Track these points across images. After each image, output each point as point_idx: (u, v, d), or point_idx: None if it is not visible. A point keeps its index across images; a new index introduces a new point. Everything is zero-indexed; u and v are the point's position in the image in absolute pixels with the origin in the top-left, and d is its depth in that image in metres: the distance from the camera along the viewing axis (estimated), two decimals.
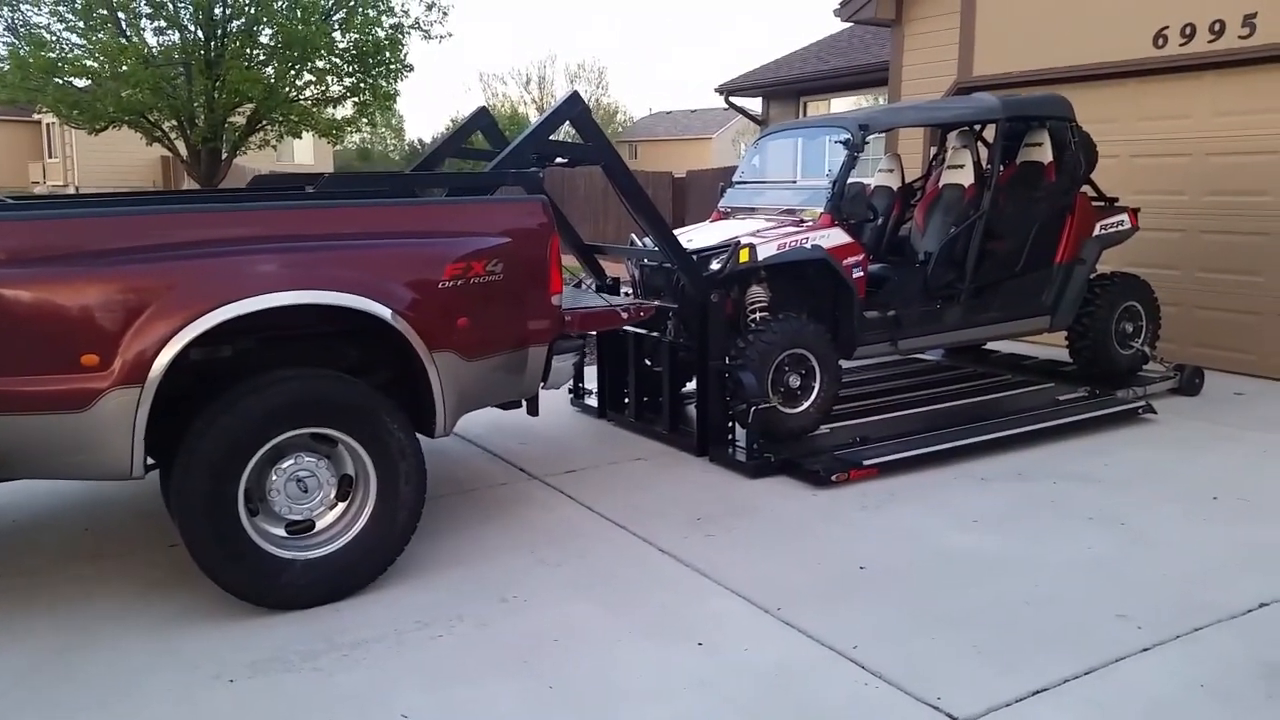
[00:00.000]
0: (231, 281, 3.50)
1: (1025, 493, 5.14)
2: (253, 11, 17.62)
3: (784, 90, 15.43)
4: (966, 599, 3.86)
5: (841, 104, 14.60)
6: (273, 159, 28.25)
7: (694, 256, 5.67)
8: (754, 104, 16.66)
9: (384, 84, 19.55)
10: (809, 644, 3.50)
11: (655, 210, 5.52)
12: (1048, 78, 8.81)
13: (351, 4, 18.57)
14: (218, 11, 17.51)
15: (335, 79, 19.43)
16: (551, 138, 5.23)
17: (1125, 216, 7.19)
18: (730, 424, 5.70)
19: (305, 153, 34.24)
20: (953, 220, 6.69)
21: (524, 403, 4.71)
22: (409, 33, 19.43)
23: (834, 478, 5.18)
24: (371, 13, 18.71)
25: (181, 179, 25.87)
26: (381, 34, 18.94)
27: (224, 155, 19.29)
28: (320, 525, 3.84)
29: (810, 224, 5.95)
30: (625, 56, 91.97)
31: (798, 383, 5.63)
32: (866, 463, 5.34)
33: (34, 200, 5.74)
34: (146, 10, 17.46)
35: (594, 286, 6.25)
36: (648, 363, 6.21)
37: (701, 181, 17.39)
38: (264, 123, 19.28)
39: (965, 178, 6.81)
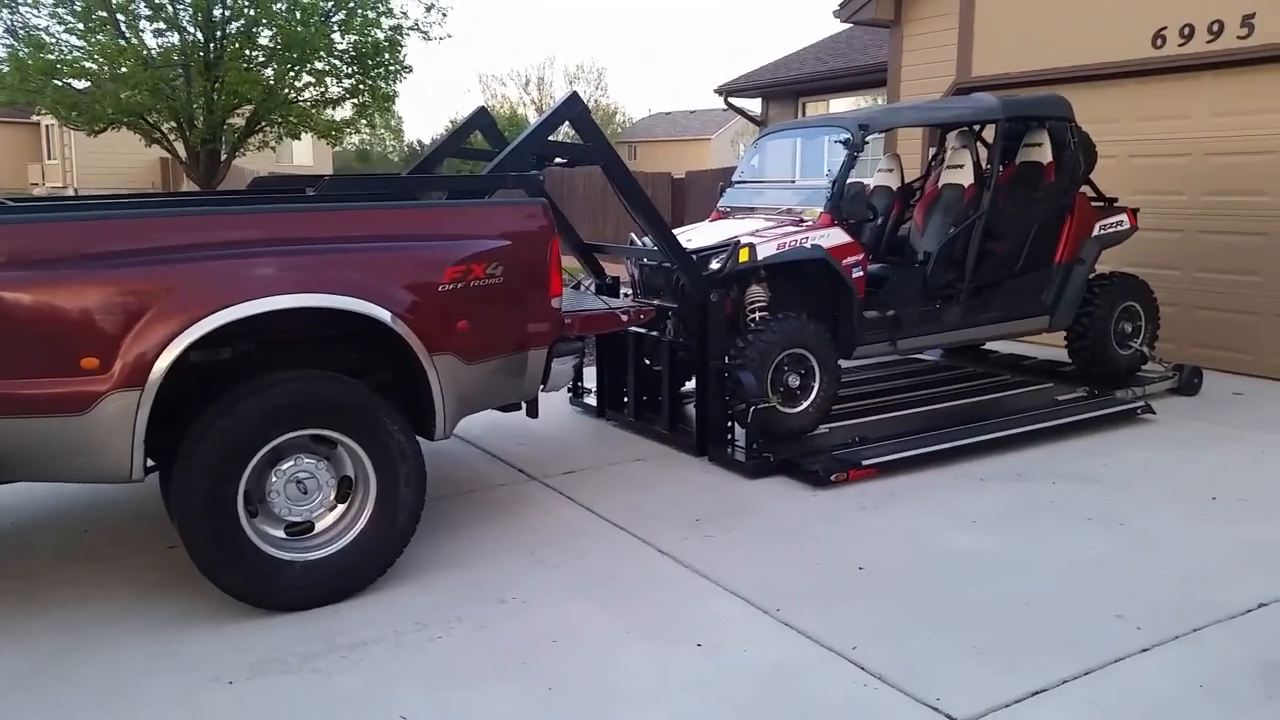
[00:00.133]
0: (232, 284, 3.51)
1: (1024, 493, 5.14)
2: (252, 13, 17.60)
3: (783, 91, 15.44)
4: (966, 599, 3.86)
5: (841, 105, 14.60)
6: (272, 160, 28.29)
7: (693, 256, 5.67)
8: (753, 105, 16.67)
9: (383, 85, 19.53)
10: (808, 645, 3.50)
11: (654, 210, 5.53)
12: (1046, 78, 8.82)
13: (351, 5, 18.55)
14: (217, 13, 17.50)
15: (334, 80, 19.41)
16: (551, 138, 5.24)
17: (1124, 216, 7.20)
18: (729, 424, 5.71)
19: (304, 154, 34.26)
20: (952, 220, 6.70)
21: (523, 405, 4.71)
22: (408, 34, 19.42)
23: (833, 477, 5.19)
24: (371, 14, 18.70)
25: (180, 180, 25.86)
26: (381, 35, 18.93)
27: (223, 157, 19.28)
28: (320, 527, 3.84)
29: (810, 224, 5.95)
30: (624, 57, 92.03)
31: (797, 382, 5.63)
32: (865, 462, 5.35)
33: (33, 202, 5.73)
34: (145, 12, 17.44)
35: (594, 288, 6.25)
36: (647, 362, 6.22)
37: (701, 182, 17.40)
38: (263, 124, 19.27)
39: (965, 178, 6.81)
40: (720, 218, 6.85)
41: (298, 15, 17.59)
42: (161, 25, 17.58)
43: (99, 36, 17.17)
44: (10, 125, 35.22)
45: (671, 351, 5.88)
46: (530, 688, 3.22)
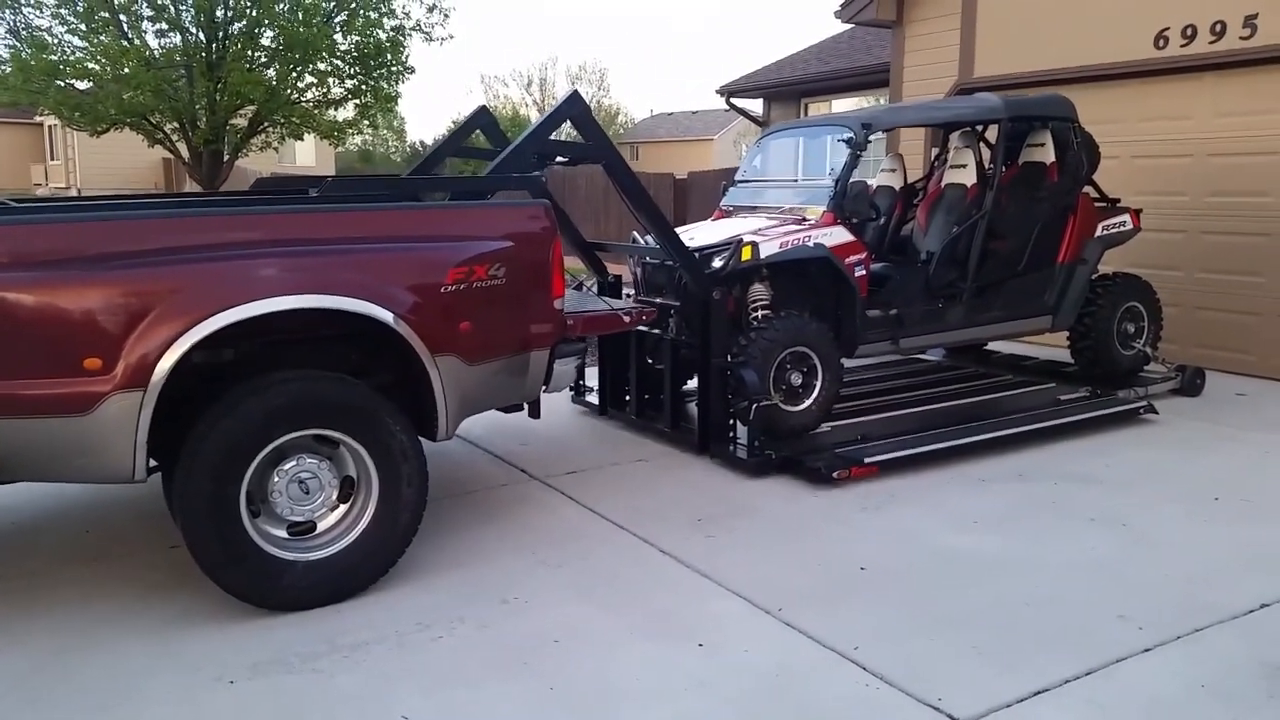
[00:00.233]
0: (234, 285, 3.51)
1: (1026, 493, 5.14)
2: (254, 14, 17.63)
3: (785, 91, 15.44)
4: (967, 600, 3.86)
5: (843, 105, 14.60)
6: (274, 161, 28.35)
7: (696, 254, 5.67)
8: (755, 105, 16.67)
9: (385, 86, 19.57)
10: (809, 645, 3.50)
11: (656, 208, 5.53)
12: (1049, 79, 8.81)
13: (353, 6, 18.58)
14: (219, 14, 17.53)
15: (337, 81, 19.44)
16: (553, 137, 5.24)
17: (1127, 217, 7.20)
18: (731, 422, 5.71)
19: (307, 155, 34.31)
20: (955, 220, 6.70)
21: (526, 405, 4.72)
22: (410, 35, 19.45)
23: (835, 475, 5.18)
24: (373, 15, 18.73)
25: (183, 181, 25.89)
26: (383, 36, 18.96)
27: (225, 157, 19.31)
28: (322, 527, 3.84)
29: (813, 222, 5.95)
30: (626, 58, 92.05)
31: (799, 381, 5.63)
32: (868, 460, 5.34)
33: (36, 203, 5.74)
34: (148, 13, 17.48)
35: (596, 289, 6.26)
36: (649, 361, 6.21)
37: (703, 183, 17.40)
38: (265, 125, 19.30)
39: (967, 177, 6.81)
40: (723, 217, 6.86)
41: (300, 16, 17.62)
42: (164, 26, 17.63)
43: (101, 37, 17.20)
44: (13, 126, 35.28)
45: (674, 350, 5.88)
46: (532, 688, 3.22)
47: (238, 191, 8.12)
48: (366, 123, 21.15)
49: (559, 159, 5.56)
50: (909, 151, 8.81)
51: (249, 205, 4.62)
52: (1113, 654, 3.41)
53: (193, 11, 17.48)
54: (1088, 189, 7.09)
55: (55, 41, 17.44)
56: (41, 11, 17.48)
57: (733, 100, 16.59)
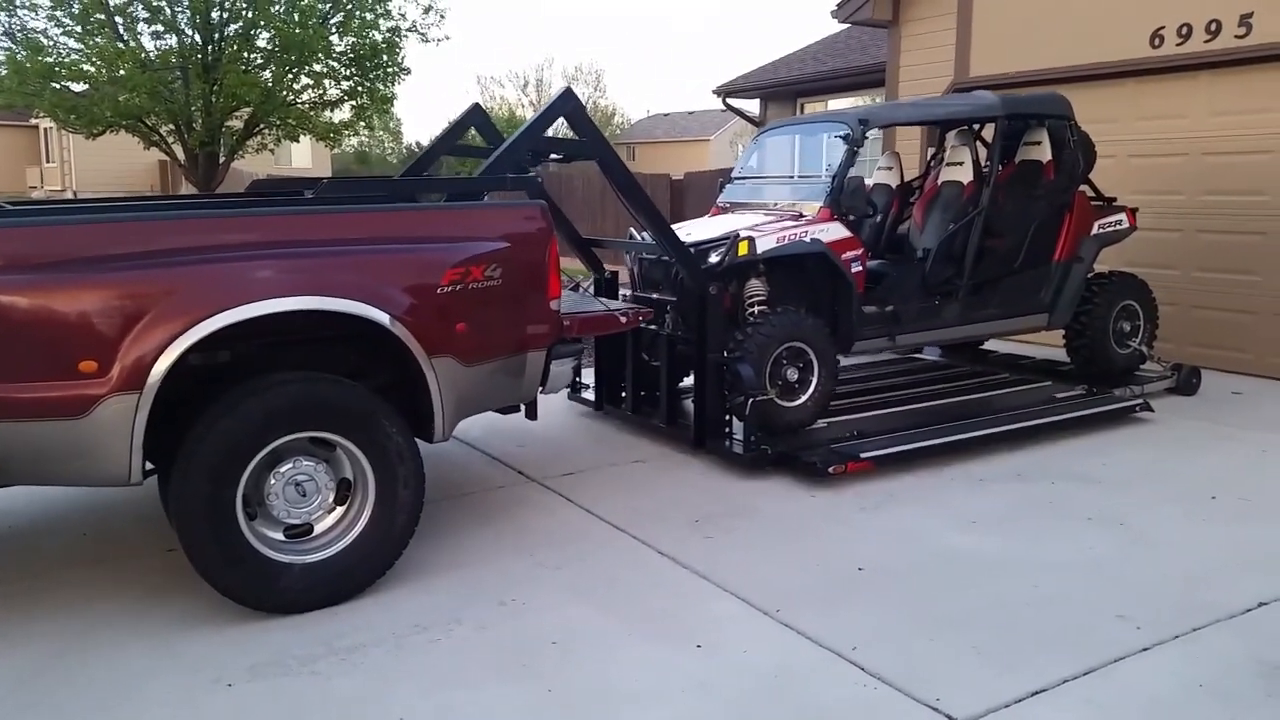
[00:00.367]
0: (230, 287, 3.50)
1: (1024, 493, 5.14)
2: (250, 15, 17.61)
3: (782, 91, 15.45)
4: (966, 600, 3.86)
5: (839, 105, 14.60)
6: (271, 163, 28.32)
7: (693, 249, 5.67)
8: (752, 106, 16.68)
9: (381, 87, 19.55)
10: (808, 646, 3.50)
11: (652, 205, 5.51)
12: (1045, 78, 8.82)
13: (349, 7, 18.57)
14: (215, 15, 17.51)
15: (333, 82, 19.43)
16: (550, 135, 5.24)
17: (1123, 216, 7.21)
18: (728, 417, 5.70)
19: (303, 156, 34.28)
20: (951, 217, 6.70)
21: (522, 407, 4.71)
22: (406, 36, 19.45)
23: (830, 469, 5.18)
24: (369, 16, 18.71)
25: (179, 183, 25.89)
26: (379, 37, 18.95)
27: (222, 159, 19.30)
28: (319, 529, 3.84)
29: (809, 218, 5.95)
30: (623, 58, 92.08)
31: (795, 376, 5.63)
32: (863, 455, 5.34)
33: (32, 205, 5.73)
34: (144, 14, 17.47)
35: (592, 290, 6.25)
36: (645, 357, 6.20)
37: (700, 183, 17.39)
38: (261, 126, 19.29)
39: (964, 175, 6.82)
40: (719, 213, 6.86)
41: (295, 17, 17.60)
42: (159, 28, 17.62)
43: (97, 39, 17.19)
44: (8, 128, 35.26)
45: (670, 345, 5.88)
46: (530, 689, 3.21)
47: (233, 193, 8.11)
48: (363, 124, 21.14)
49: (553, 156, 5.56)
50: (905, 151, 8.82)
51: (245, 207, 4.61)
52: (1111, 654, 3.41)
53: (188, 13, 17.47)
54: (1084, 188, 7.10)
55: (51, 43, 17.42)
56: (37, 13, 17.47)
57: (729, 101, 16.60)
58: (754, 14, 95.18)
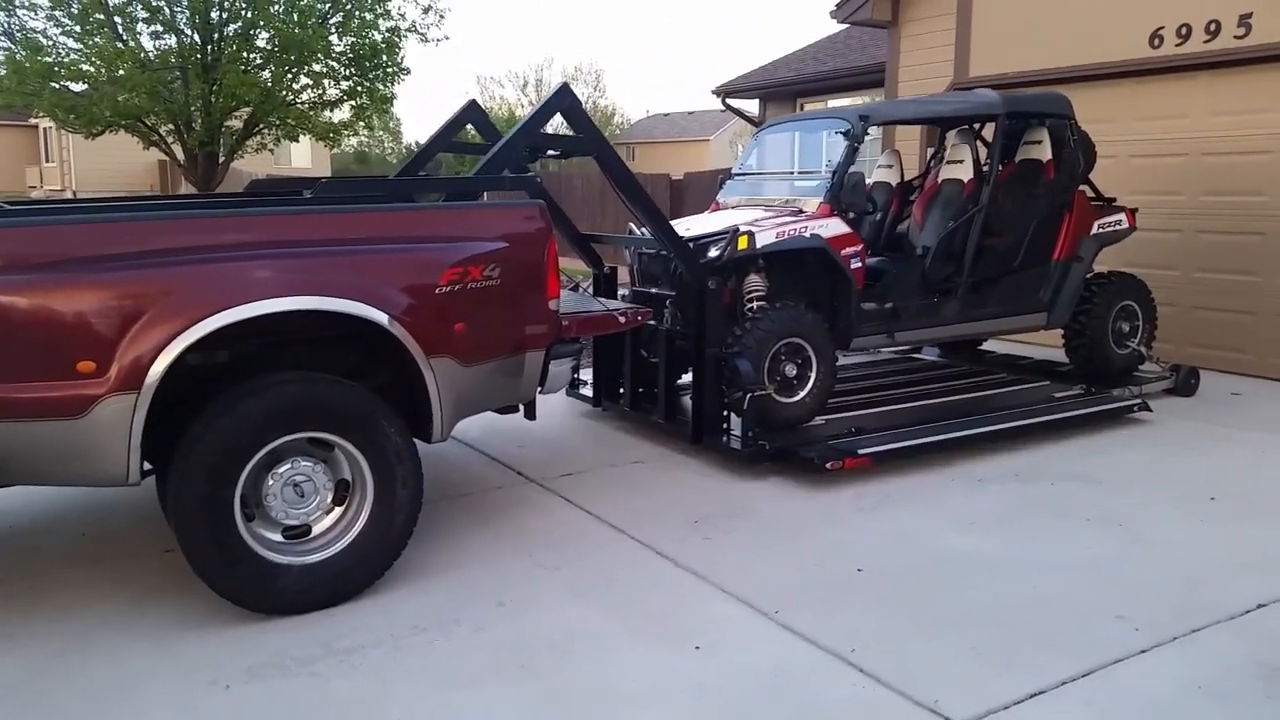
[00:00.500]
0: (229, 287, 3.50)
1: (1023, 494, 5.14)
2: (249, 15, 17.61)
3: (781, 92, 15.44)
4: (964, 601, 3.86)
5: (838, 105, 14.60)
6: (270, 162, 28.31)
7: (691, 244, 5.67)
8: (751, 106, 16.67)
9: (381, 87, 19.54)
10: (807, 647, 3.50)
11: (650, 200, 5.50)
12: (1044, 78, 8.82)
13: (348, 7, 18.57)
14: (214, 15, 17.51)
15: (332, 82, 19.42)
16: (548, 131, 5.23)
17: (1123, 216, 7.21)
18: (725, 413, 5.70)
19: (303, 156, 34.28)
20: (951, 215, 6.70)
21: (521, 407, 4.71)
22: (406, 36, 19.44)
23: (829, 465, 5.17)
24: (368, 16, 18.70)
25: (179, 183, 25.88)
26: (378, 37, 18.94)
27: (221, 159, 19.29)
28: (317, 530, 3.83)
29: (809, 214, 5.95)
30: (622, 59, 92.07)
31: (794, 372, 5.62)
32: (862, 452, 5.33)
33: (31, 205, 5.73)
34: (143, 14, 17.46)
35: (591, 290, 6.25)
36: (644, 353, 6.18)
37: (699, 183, 17.39)
38: (261, 126, 19.28)
39: (964, 173, 6.82)
40: (719, 209, 6.86)
41: (295, 17, 17.59)
42: (159, 28, 17.62)
43: (96, 39, 17.18)
44: (8, 128, 35.27)
45: (668, 340, 5.87)
46: (529, 690, 3.21)
47: (232, 193, 8.11)
48: (362, 124, 21.13)
49: (550, 152, 5.55)
50: (906, 150, 8.81)
51: (243, 207, 4.61)
52: (1110, 655, 3.40)
53: (188, 13, 17.47)
54: (1084, 188, 7.10)
55: (50, 43, 17.42)
56: (36, 14, 17.46)
57: (729, 101, 16.59)
58: (754, 14, 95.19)
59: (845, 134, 6.09)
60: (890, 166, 7.61)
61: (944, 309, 6.55)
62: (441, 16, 21.56)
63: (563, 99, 5.14)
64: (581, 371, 6.76)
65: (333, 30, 18.51)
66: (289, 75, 18.61)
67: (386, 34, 19.07)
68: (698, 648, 3.49)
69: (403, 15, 21.53)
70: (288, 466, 3.72)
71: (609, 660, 3.41)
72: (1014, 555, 4.33)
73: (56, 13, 17.14)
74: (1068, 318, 7.01)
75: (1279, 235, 7.70)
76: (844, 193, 5.93)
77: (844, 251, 5.93)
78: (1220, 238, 8.09)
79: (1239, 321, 8.01)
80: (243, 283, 3.53)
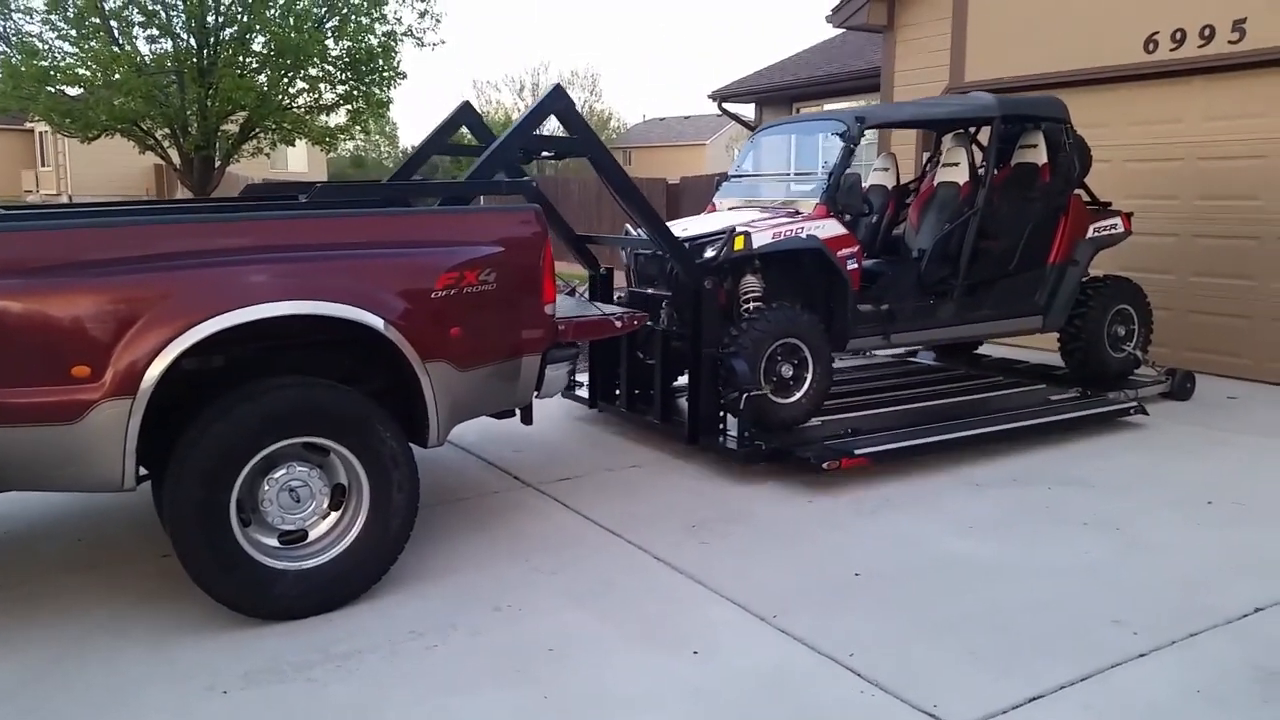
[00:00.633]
0: (224, 292, 3.49)
1: (1020, 498, 5.14)
2: (245, 19, 17.62)
3: (777, 96, 15.46)
4: (962, 605, 3.86)
5: (835, 109, 14.63)
6: (266, 167, 28.29)
7: (688, 244, 5.66)
8: (747, 110, 16.68)
9: (377, 91, 19.56)
10: (804, 651, 3.49)
11: (645, 200, 5.48)
12: (1040, 83, 8.84)
13: (344, 12, 18.58)
14: (210, 19, 17.51)
15: (328, 86, 19.44)
16: (542, 133, 5.24)
17: (1118, 220, 7.22)
18: (722, 413, 5.69)
19: (299, 160, 34.28)
20: (947, 217, 6.71)
21: (518, 411, 4.70)
22: (402, 40, 19.46)
23: (825, 466, 5.16)
24: (364, 20, 18.72)
25: (175, 187, 25.85)
26: (374, 41, 18.96)
27: (217, 163, 19.29)
28: (313, 535, 3.82)
29: (805, 215, 5.95)
30: (618, 63, 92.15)
31: (790, 373, 5.62)
32: (858, 452, 5.32)
33: (26, 210, 5.71)
34: (139, 18, 17.46)
35: (587, 293, 6.25)
36: (640, 355, 6.17)
37: (696, 187, 17.39)
38: (257, 130, 19.27)
39: (960, 176, 6.83)
40: (715, 211, 6.86)
41: (291, 21, 17.60)
42: (155, 32, 17.62)
43: (92, 43, 17.18)
44: (4, 132, 35.23)
45: (665, 341, 5.86)
46: (525, 695, 3.20)
47: (228, 198, 8.11)
48: (358, 128, 21.15)
49: (545, 153, 5.55)
50: (902, 155, 8.83)
51: (239, 211, 4.60)
52: (1108, 659, 3.40)
53: (184, 17, 17.47)
54: (1079, 192, 7.11)
55: (46, 47, 17.42)
56: (32, 17, 17.46)
57: (725, 105, 16.61)
58: (750, 19, 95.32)
59: (842, 135, 6.09)
60: (886, 169, 7.62)
61: (940, 311, 6.56)
62: (438, 21, 21.70)
63: (556, 101, 5.14)
64: (577, 373, 6.76)
65: (329, 34, 18.53)
66: (285, 79, 18.62)
67: (382, 38, 19.10)
68: (695, 652, 3.48)
69: (399, 19, 21.50)
70: (283, 471, 3.71)
71: (606, 665, 3.41)
72: (1012, 559, 4.33)
73: (52, 16, 17.13)
74: (1063, 321, 7.02)
75: (1274, 239, 7.72)
76: (840, 194, 5.93)
77: (840, 253, 5.93)
78: (1216, 242, 8.10)
79: (1234, 325, 8.02)
80: (238, 287, 3.52)
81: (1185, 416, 6.80)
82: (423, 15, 19.78)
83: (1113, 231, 7.18)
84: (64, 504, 5.00)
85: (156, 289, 3.40)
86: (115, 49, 17.13)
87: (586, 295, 6.21)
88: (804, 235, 5.81)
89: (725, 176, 7.27)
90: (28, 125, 33.10)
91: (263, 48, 18.14)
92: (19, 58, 16.89)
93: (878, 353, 8.07)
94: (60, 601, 3.92)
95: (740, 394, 5.32)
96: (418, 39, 19.79)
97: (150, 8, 17.30)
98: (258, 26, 17.59)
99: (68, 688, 3.26)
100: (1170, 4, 8.07)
